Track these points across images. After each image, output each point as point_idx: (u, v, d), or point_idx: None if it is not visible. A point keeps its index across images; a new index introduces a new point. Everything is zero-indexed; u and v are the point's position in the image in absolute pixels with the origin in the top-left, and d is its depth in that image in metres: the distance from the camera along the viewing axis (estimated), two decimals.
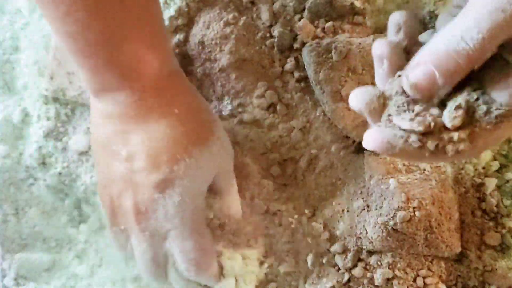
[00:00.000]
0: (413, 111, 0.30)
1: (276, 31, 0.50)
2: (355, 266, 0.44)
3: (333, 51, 0.46)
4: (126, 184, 0.41)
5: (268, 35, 0.50)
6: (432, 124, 0.29)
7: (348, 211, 0.44)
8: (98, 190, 0.45)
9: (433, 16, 0.48)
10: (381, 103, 0.31)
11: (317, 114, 0.48)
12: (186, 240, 0.41)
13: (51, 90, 0.51)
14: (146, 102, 0.41)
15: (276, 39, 0.50)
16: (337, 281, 0.43)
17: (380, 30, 0.51)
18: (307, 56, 0.47)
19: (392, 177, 0.44)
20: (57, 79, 0.51)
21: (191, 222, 0.41)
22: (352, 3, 0.49)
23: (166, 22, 0.50)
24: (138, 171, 0.40)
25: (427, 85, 0.30)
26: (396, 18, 0.34)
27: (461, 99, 0.30)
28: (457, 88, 0.30)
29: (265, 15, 0.50)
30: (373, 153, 0.45)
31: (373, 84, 0.46)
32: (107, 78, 0.40)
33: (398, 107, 0.30)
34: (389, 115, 0.31)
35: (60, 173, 0.50)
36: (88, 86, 0.43)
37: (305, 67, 0.48)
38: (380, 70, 0.34)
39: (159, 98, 0.41)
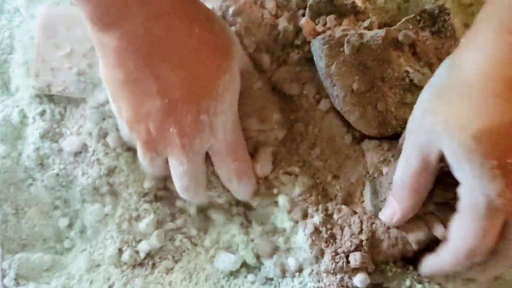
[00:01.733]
0: None
1: (281, 26, 0.49)
2: None
3: (346, 45, 0.45)
4: (166, 114, 0.41)
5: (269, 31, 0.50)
6: None
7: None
8: (128, 126, 0.45)
9: (443, 9, 0.47)
10: None
11: (321, 107, 0.48)
12: (228, 151, 0.44)
13: (37, 87, 0.51)
14: (159, 25, 0.39)
15: (280, 34, 0.49)
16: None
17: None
18: (319, 49, 0.46)
19: None
20: (42, 76, 0.50)
21: (232, 133, 0.44)
22: (353, 2, 0.49)
23: None
24: (177, 101, 0.41)
25: (391, 215, 0.42)
26: None
27: None
28: None
29: (269, 4, 0.50)
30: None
31: (383, 78, 0.45)
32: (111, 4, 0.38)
33: None
34: None
35: (57, 174, 0.50)
36: (91, 20, 0.40)
37: (315, 60, 0.47)
38: None
39: (176, 19, 0.40)
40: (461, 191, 0.38)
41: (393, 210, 0.42)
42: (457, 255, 0.39)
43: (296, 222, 0.46)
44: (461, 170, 0.37)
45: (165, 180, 0.50)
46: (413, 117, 0.41)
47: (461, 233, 0.39)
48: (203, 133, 0.42)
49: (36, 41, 0.51)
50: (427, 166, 0.39)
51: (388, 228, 0.43)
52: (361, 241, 0.44)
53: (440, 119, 0.37)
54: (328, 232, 0.44)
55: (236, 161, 0.45)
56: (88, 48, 0.50)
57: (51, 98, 0.52)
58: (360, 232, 0.44)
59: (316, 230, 0.44)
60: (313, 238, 0.44)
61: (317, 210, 0.45)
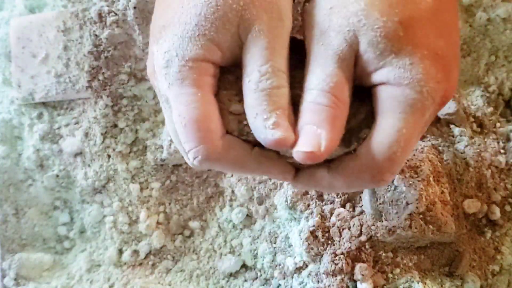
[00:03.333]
0: None
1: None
2: None
3: None
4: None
5: None
6: None
7: None
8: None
9: None
10: None
11: None
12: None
13: (21, 98, 0.51)
14: None
15: None
16: None
17: None
18: None
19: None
20: (24, 86, 0.50)
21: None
22: None
23: None
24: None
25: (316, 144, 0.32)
26: None
27: None
28: None
29: None
30: None
31: None
32: None
33: None
34: None
35: (57, 175, 0.50)
36: None
37: None
38: None
39: None
40: (384, 90, 0.32)
41: (317, 138, 0.31)
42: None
43: (295, 222, 0.46)
44: (385, 63, 0.31)
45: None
46: (315, 23, 0.33)
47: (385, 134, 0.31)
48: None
49: (12, 53, 0.51)
50: (348, 73, 0.32)
51: (390, 230, 0.43)
52: (361, 243, 0.43)
53: (355, 9, 0.31)
54: (325, 235, 0.44)
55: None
56: (61, 49, 0.50)
57: (49, 103, 0.52)
58: (360, 234, 0.44)
59: (312, 234, 0.44)
60: (309, 242, 0.44)
61: (312, 213, 0.45)
